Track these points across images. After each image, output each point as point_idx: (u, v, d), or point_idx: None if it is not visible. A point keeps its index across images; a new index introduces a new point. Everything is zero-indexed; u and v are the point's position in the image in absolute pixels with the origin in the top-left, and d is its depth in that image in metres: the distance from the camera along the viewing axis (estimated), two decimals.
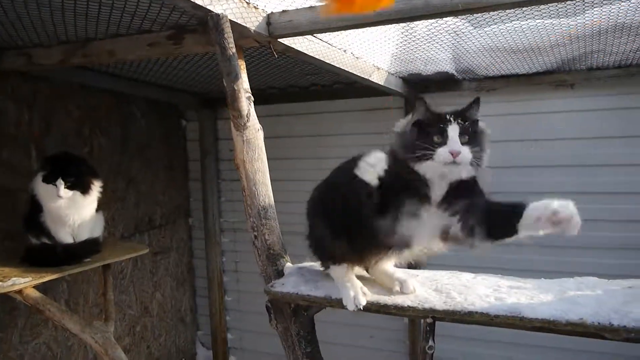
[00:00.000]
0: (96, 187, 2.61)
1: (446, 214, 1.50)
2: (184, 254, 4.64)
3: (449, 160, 1.42)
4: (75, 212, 2.53)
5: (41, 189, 2.47)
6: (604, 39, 2.55)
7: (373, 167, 1.46)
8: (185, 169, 4.65)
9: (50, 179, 2.43)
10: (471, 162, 1.45)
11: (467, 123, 1.48)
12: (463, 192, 1.49)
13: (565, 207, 1.29)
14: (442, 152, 1.43)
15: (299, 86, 3.89)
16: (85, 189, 2.53)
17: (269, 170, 2.05)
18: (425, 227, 1.51)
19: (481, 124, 1.54)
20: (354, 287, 1.66)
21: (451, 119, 1.47)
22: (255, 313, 4.33)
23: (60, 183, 2.41)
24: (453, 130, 1.46)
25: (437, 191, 1.50)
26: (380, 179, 1.46)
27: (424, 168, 1.47)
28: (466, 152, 1.44)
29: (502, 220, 1.42)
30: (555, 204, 1.30)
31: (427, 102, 1.52)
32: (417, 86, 3.55)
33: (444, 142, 1.45)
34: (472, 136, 1.48)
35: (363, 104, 3.91)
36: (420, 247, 1.58)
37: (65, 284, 3.32)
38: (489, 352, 3.61)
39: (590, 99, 3.27)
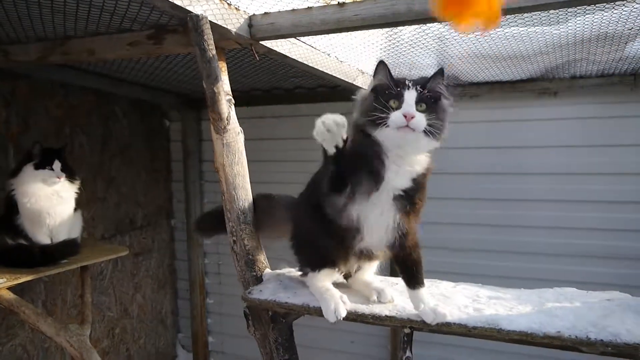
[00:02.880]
0: (75, 185, 2.60)
1: (400, 206, 1.47)
2: (165, 256, 4.59)
3: (402, 124, 1.38)
4: (53, 209, 2.50)
5: (30, 178, 2.45)
6: (586, 48, 2.56)
7: (330, 131, 1.40)
8: (167, 169, 4.60)
9: (45, 164, 2.45)
10: (427, 131, 1.41)
11: (427, 92, 1.45)
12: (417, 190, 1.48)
13: None
14: (395, 115, 1.40)
15: (282, 88, 3.87)
16: (72, 177, 2.58)
17: (252, 173, 2.02)
18: (378, 215, 1.48)
19: (446, 101, 1.51)
20: (334, 297, 1.61)
21: (409, 84, 1.45)
22: (236, 316, 4.25)
23: (57, 164, 2.47)
24: (410, 95, 1.43)
25: (395, 175, 1.45)
26: (337, 147, 1.42)
27: (381, 134, 1.43)
28: (420, 118, 1.40)
29: None
30: None
31: (387, 66, 1.48)
32: None
33: (399, 107, 1.42)
34: (432, 106, 1.45)
35: (347, 108, 3.84)
36: (371, 239, 1.53)
37: (43, 285, 3.26)
38: (468, 359, 3.61)
39: (572, 107, 3.29)
